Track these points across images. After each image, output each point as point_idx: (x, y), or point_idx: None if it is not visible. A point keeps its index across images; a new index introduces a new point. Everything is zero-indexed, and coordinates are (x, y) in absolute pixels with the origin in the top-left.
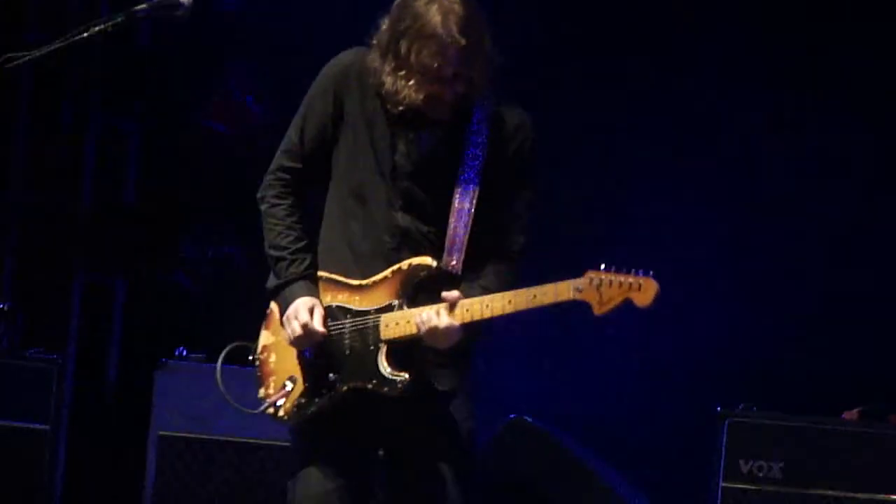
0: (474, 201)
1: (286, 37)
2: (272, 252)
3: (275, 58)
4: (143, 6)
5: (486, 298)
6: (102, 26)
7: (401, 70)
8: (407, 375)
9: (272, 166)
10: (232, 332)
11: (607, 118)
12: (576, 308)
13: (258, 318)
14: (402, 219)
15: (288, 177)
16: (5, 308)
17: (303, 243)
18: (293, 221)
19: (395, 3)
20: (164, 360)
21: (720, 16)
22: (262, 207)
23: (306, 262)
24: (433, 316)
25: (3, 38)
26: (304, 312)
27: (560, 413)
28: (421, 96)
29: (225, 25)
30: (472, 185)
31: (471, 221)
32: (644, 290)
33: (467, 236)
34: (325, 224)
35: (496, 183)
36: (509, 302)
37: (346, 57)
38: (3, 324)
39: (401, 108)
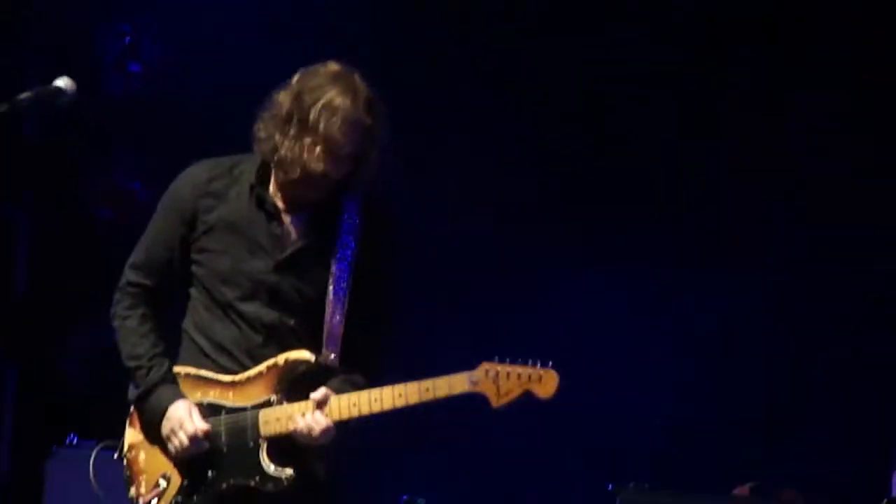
0: (347, 292)
1: (174, 121)
2: (129, 363)
3: (163, 142)
4: (27, 94)
5: (376, 393)
6: None
7: (305, 138)
8: (291, 471)
9: (120, 283)
10: (123, 417)
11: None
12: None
13: None
14: (268, 314)
15: (137, 290)
16: None
17: (159, 349)
18: (147, 330)
19: (299, 76)
20: (54, 447)
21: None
22: (115, 323)
23: (165, 367)
24: (312, 416)
25: None
26: (188, 423)
27: (455, 493)
28: (321, 167)
29: (111, 111)
30: (344, 276)
31: (345, 313)
32: (544, 382)
33: (342, 329)
34: (188, 322)
35: (367, 273)
36: (399, 395)
37: (196, 171)
38: None
39: (298, 175)
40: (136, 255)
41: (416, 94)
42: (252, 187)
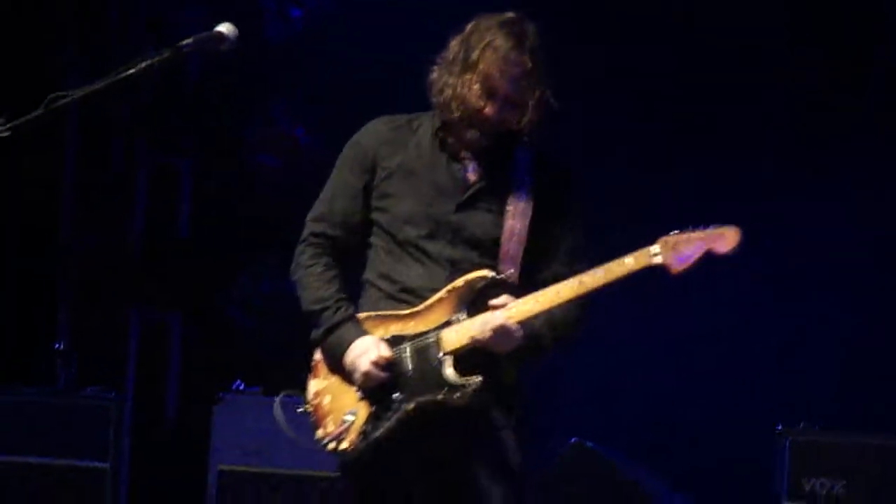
0: (527, 223)
1: (334, 68)
2: (312, 307)
3: (324, 89)
4: (189, 41)
5: (556, 287)
6: (148, 63)
7: (466, 74)
8: (478, 378)
9: (302, 236)
10: (289, 366)
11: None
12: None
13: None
14: (452, 251)
15: (321, 241)
16: (61, 347)
17: (344, 294)
18: (332, 276)
19: (473, 22)
20: (221, 394)
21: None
22: (297, 275)
23: (350, 309)
24: (492, 318)
25: (47, 78)
26: (372, 350)
27: (619, 436)
28: (481, 104)
29: (272, 58)
30: (523, 207)
31: (525, 240)
32: (726, 237)
33: (522, 252)
34: (368, 272)
35: (545, 216)
36: (579, 283)
37: (375, 123)
38: (59, 363)
39: (458, 113)
40: (318, 208)
41: None
42: (437, 131)
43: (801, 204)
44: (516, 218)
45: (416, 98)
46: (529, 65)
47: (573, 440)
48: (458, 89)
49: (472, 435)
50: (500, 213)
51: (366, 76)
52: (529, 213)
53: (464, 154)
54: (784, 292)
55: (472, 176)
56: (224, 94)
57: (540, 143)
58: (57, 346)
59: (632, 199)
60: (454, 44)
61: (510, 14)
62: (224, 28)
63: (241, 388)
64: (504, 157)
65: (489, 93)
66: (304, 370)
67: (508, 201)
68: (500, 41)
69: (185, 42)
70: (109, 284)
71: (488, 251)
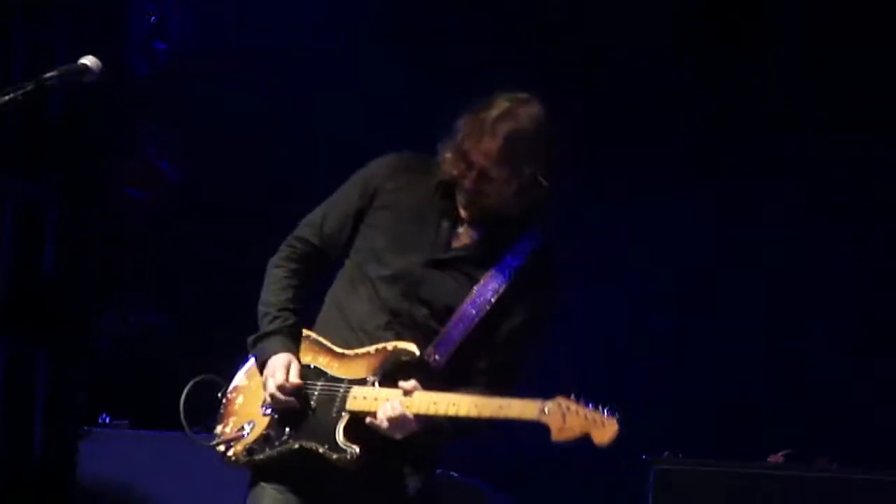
0: (482, 313)
1: (200, 101)
2: (260, 308)
3: (187, 120)
4: (52, 73)
5: (456, 397)
6: (12, 95)
7: (475, 136)
8: (358, 449)
9: (291, 234)
10: (155, 398)
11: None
12: None
13: (183, 383)
14: (399, 302)
15: (300, 246)
16: None
17: (292, 304)
18: (291, 284)
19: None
20: (86, 428)
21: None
22: (268, 269)
23: (289, 321)
24: (394, 402)
25: None
26: (280, 373)
27: (486, 463)
28: (456, 172)
29: (137, 90)
30: (485, 297)
31: (471, 329)
32: (605, 429)
33: (461, 340)
34: (330, 291)
35: (509, 312)
36: (475, 406)
37: (397, 156)
38: None
39: (459, 171)
40: (313, 214)
41: None
42: (441, 183)
43: (643, 224)
44: (476, 302)
45: (277, 132)
46: (498, 142)
47: (438, 471)
48: (465, 148)
49: (353, 488)
50: (466, 288)
51: (232, 109)
52: (490, 303)
53: (463, 215)
54: (657, 323)
55: (461, 239)
56: (89, 127)
57: (549, 234)
58: None
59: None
60: (470, 112)
61: (521, 94)
62: (88, 60)
63: (107, 420)
64: (506, 235)
65: (466, 163)
66: (173, 403)
67: (481, 280)
68: (490, 114)
69: (48, 74)
70: None
71: (436, 315)
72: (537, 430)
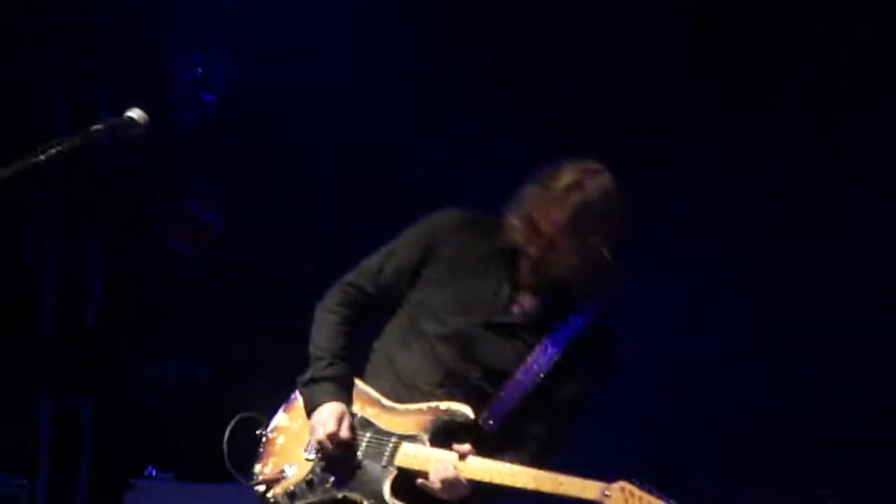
0: (537, 381)
1: (246, 154)
2: (313, 350)
3: (236, 173)
4: (99, 126)
5: (512, 468)
6: (59, 149)
7: (544, 205)
8: None
9: (344, 278)
10: (199, 448)
11: None
12: None
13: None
14: (455, 362)
15: (354, 293)
16: None
17: (346, 352)
18: (344, 330)
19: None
20: (133, 480)
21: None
22: (318, 313)
23: (343, 369)
24: (448, 465)
25: None
26: (332, 422)
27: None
28: (519, 237)
29: (183, 142)
30: (540, 366)
31: (525, 396)
32: None
33: (515, 406)
34: (380, 341)
35: (562, 382)
36: (533, 479)
37: (463, 212)
38: None
39: (524, 237)
40: (369, 260)
41: None
42: (507, 249)
43: None
44: (531, 370)
45: (329, 184)
46: (567, 213)
47: None
48: (516, 220)
49: None
50: (521, 354)
51: (279, 162)
52: (544, 373)
53: (524, 282)
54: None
55: (521, 305)
56: (134, 180)
57: (603, 306)
58: None
59: None
60: (542, 179)
61: (590, 163)
62: (134, 113)
63: (153, 473)
64: (564, 305)
65: (534, 231)
66: (217, 455)
67: (536, 348)
68: (559, 184)
69: (95, 127)
70: (19, 369)
71: (488, 377)
72: None
